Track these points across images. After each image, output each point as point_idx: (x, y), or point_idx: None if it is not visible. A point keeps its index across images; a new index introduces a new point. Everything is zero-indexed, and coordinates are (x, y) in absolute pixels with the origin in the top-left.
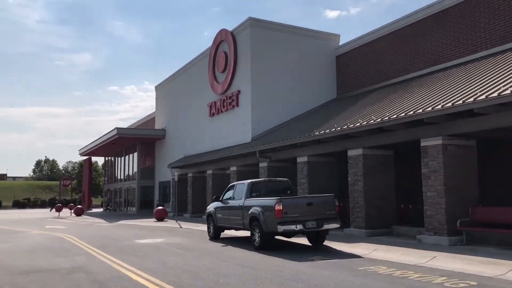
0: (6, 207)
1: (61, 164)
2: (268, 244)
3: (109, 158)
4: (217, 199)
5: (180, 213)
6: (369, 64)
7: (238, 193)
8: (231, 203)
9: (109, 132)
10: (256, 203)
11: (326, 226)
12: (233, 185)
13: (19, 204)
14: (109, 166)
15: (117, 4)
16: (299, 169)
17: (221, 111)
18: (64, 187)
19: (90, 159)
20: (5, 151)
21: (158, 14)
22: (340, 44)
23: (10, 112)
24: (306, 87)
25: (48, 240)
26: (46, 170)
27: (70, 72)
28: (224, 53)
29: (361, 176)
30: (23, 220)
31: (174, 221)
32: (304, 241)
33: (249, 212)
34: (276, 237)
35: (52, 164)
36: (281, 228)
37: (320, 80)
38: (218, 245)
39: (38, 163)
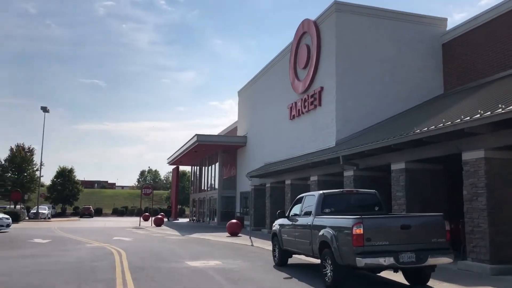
0: (106, 214)
1: (162, 174)
2: (343, 281)
3: (195, 167)
4: (282, 215)
5: (258, 227)
6: (484, 51)
7: (306, 208)
8: (299, 220)
9: (190, 139)
10: (329, 223)
11: (431, 261)
12: (301, 197)
13: (117, 212)
14: (195, 176)
15: (216, 24)
16: (394, 179)
17: (302, 113)
18: (146, 196)
19: (177, 168)
20: (117, 162)
21: (255, 31)
22: (447, 29)
23: (123, 127)
24: (405, 81)
25: (91, 256)
26: (149, 180)
27: (175, 88)
28: (306, 46)
29: (483, 188)
30: (102, 229)
31: (248, 236)
32: (399, 277)
33: (319, 234)
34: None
35: (155, 174)
36: (361, 261)
37: (422, 73)
38: (280, 277)
39: (142, 173)
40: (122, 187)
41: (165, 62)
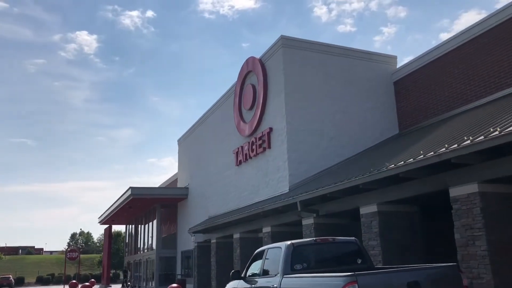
0: (29, 284)
1: (96, 236)
2: None
3: (130, 226)
4: (237, 275)
5: None
6: (436, 89)
7: (269, 266)
8: (259, 282)
9: (124, 193)
10: (305, 285)
11: None
12: (262, 252)
13: (42, 280)
14: (130, 235)
15: (154, 82)
16: (365, 225)
17: (250, 157)
18: (71, 260)
19: (110, 228)
20: (47, 225)
21: (194, 89)
22: (398, 66)
23: (56, 188)
24: (357, 121)
25: None
26: (80, 243)
27: (112, 146)
28: (251, 86)
29: (481, 230)
30: None
31: None
32: None
33: None
34: None
35: (87, 236)
36: None
37: (375, 112)
38: None
39: (73, 236)
40: (51, 252)
41: (102, 120)
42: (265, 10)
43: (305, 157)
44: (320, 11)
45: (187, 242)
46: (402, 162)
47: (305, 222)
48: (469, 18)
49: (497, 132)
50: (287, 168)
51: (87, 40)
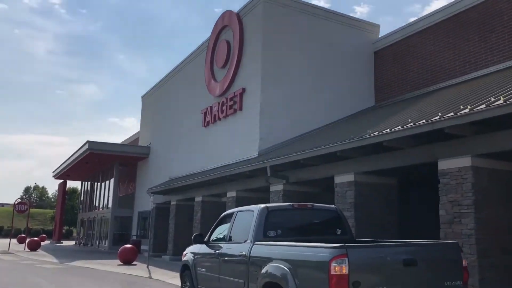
0: None
1: (51, 192)
2: None
3: (86, 182)
4: (199, 239)
5: (158, 253)
6: (415, 62)
7: (238, 231)
8: (226, 248)
9: (81, 147)
10: (281, 254)
11: None
12: (230, 215)
13: None
14: (85, 192)
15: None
16: (339, 194)
17: (219, 118)
18: (20, 213)
19: (65, 183)
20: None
21: (162, 50)
22: (380, 36)
23: (11, 140)
24: (335, 89)
25: None
26: (34, 197)
27: (73, 102)
28: (226, 43)
29: (469, 207)
30: None
31: (146, 265)
32: None
33: (263, 271)
34: None
35: (42, 191)
36: None
37: (353, 81)
38: None
39: (27, 189)
40: (2, 204)
41: (64, 73)
42: None
43: (277, 121)
44: None
45: (145, 203)
46: (388, 130)
47: (273, 188)
48: (440, 4)
49: (501, 101)
50: (258, 132)
51: None
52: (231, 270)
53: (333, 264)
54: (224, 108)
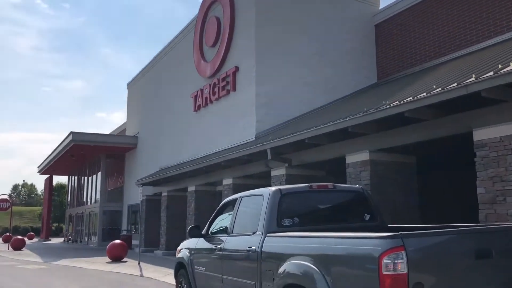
0: None
1: (40, 189)
2: None
3: (73, 177)
4: (196, 232)
5: (150, 248)
6: (419, 35)
7: (245, 220)
8: (229, 242)
9: (64, 139)
10: (303, 248)
11: None
12: (233, 201)
13: None
14: (72, 187)
15: (105, 32)
16: (352, 176)
17: (211, 101)
18: (3, 211)
19: (51, 178)
20: None
21: (147, 41)
22: (381, 8)
23: None
24: (334, 66)
25: None
26: (23, 195)
27: (59, 98)
28: (216, 19)
29: None
30: None
31: (137, 262)
32: None
33: (281, 270)
34: None
35: (31, 189)
36: None
37: (354, 57)
38: None
39: (15, 187)
40: None
41: (49, 69)
42: None
43: (275, 102)
44: None
45: (135, 195)
46: (411, 98)
47: (275, 173)
48: None
49: None
50: (254, 113)
51: None
52: (237, 268)
53: (385, 261)
54: (216, 89)
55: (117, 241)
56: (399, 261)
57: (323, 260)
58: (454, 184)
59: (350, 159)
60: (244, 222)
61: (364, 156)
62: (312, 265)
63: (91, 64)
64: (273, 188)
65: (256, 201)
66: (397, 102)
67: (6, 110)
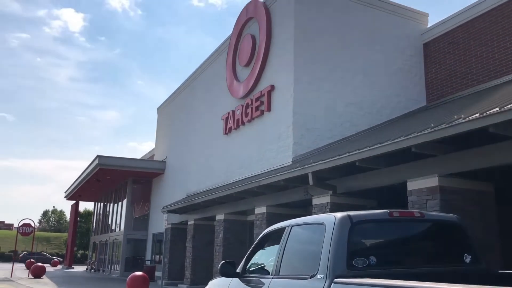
0: None
1: (69, 215)
2: None
3: (99, 203)
4: (229, 270)
5: (174, 281)
6: (473, 53)
7: (297, 258)
8: (274, 287)
9: (91, 163)
10: None
11: None
12: (279, 231)
13: (4, 257)
14: (97, 214)
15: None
16: (414, 205)
17: (243, 123)
18: (25, 236)
19: (77, 203)
20: (21, 202)
21: (178, 75)
22: (429, 26)
23: (32, 165)
24: (381, 87)
25: None
26: (52, 221)
27: (94, 127)
28: (250, 37)
29: None
30: None
31: None
32: None
33: None
34: None
35: (60, 215)
36: None
37: (401, 77)
38: None
39: (45, 213)
40: None
41: (85, 100)
42: None
43: (314, 123)
44: None
45: (160, 224)
46: (497, 109)
47: (316, 201)
48: None
49: None
50: (291, 135)
51: (73, 18)
52: None
53: None
54: (249, 110)
55: (139, 273)
56: None
57: None
58: None
59: (413, 185)
60: (297, 260)
61: (432, 181)
62: None
63: (124, 95)
64: (339, 215)
65: (314, 232)
66: (477, 114)
67: (42, 138)
